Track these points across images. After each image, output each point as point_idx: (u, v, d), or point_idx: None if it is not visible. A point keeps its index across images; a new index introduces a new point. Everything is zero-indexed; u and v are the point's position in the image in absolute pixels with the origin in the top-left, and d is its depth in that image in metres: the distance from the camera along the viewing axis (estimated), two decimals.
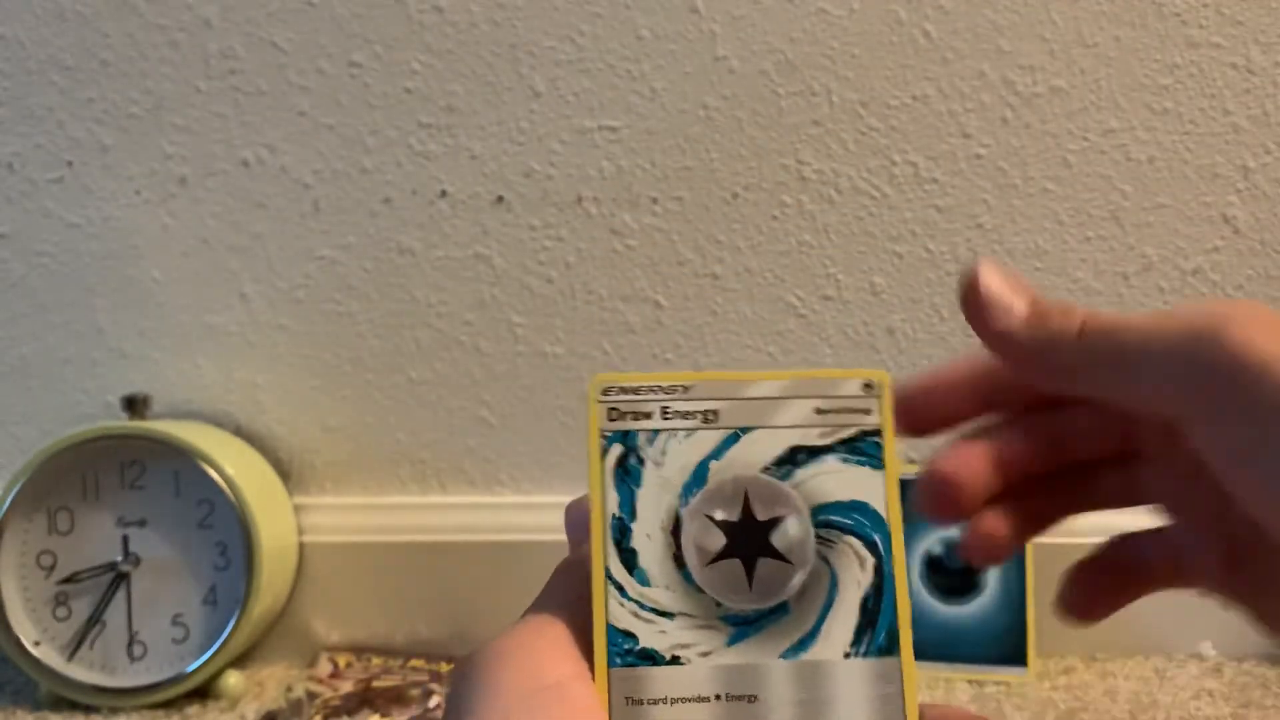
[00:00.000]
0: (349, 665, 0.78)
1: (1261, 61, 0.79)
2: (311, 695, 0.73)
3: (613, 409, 0.27)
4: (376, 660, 0.78)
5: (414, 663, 0.78)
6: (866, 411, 0.27)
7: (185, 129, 0.80)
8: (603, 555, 0.26)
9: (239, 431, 0.82)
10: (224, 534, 0.75)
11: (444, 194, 0.80)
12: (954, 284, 0.81)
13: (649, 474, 0.26)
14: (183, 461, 0.74)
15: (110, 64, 0.79)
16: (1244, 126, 0.79)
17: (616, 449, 0.26)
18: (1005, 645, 0.76)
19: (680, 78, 0.79)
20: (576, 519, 0.28)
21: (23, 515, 0.74)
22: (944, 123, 0.79)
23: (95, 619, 0.75)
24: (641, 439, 0.26)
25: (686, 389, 0.27)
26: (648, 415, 0.27)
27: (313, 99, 0.79)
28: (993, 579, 0.77)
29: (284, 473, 0.82)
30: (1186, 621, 0.79)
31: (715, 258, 0.81)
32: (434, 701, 0.72)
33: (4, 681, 0.77)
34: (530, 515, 0.80)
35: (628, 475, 0.26)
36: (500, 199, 0.80)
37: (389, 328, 0.81)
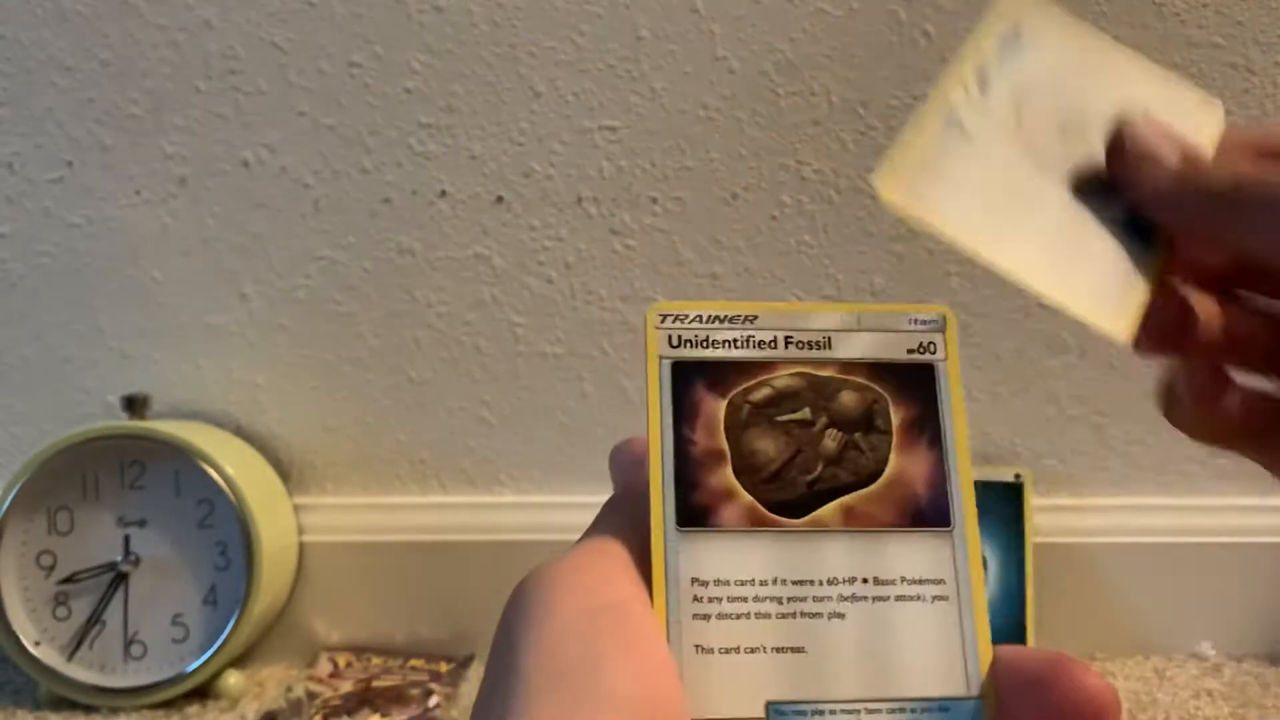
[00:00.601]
0: (349, 665, 0.78)
1: (1261, 61, 0.79)
2: (311, 695, 0.73)
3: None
4: (376, 660, 0.78)
5: (414, 663, 0.78)
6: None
7: (185, 129, 0.80)
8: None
9: (239, 431, 0.82)
10: (224, 534, 0.75)
11: (444, 194, 0.80)
12: (954, 284, 0.81)
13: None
14: (183, 461, 0.74)
15: (110, 64, 0.79)
16: (1244, 126, 0.79)
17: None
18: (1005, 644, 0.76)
19: (680, 78, 0.79)
20: (624, 459, 0.28)
21: (23, 515, 0.74)
22: None
23: (95, 619, 0.75)
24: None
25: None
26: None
27: (313, 99, 0.80)
28: (993, 579, 0.77)
29: (284, 473, 0.82)
30: (1186, 621, 0.79)
31: (715, 258, 0.81)
32: (434, 701, 0.72)
33: (4, 681, 0.77)
34: (530, 515, 0.79)
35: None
36: (500, 199, 0.80)
37: (389, 328, 0.81)
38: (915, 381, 0.26)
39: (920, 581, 0.25)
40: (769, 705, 0.24)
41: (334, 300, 0.81)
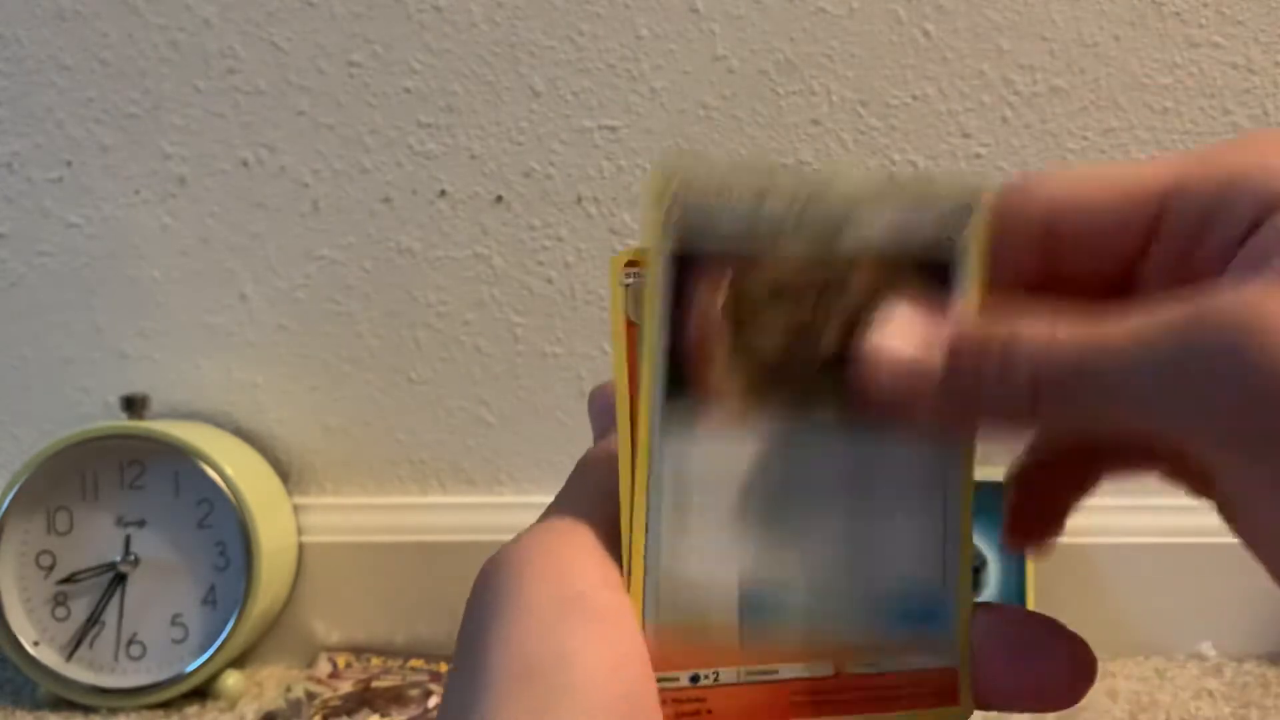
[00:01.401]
0: (348, 665, 0.78)
1: (1262, 61, 0.79)
2: (311, 695, 0.73)
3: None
4: (376, 660, 0.78)
5: (413, 663, 0.78)
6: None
7: (185, 129, 0.80)
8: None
9: (238, 431, 0.82)
10: (223, 534, 0.75)
11: (443, 193, 0.80)
12: None
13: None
14: (182, 461, 0.74)
15: (110, 64, 0.79)
16: (1245, 126, 0.79)
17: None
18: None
19: (680, 77, 0.79)
20: (603, 402, 0.27)
21: (22, 515, 0.74)
22: (943, 122, 0.79)
23: (94, 619, 0.75)
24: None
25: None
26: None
27: (312, 98, 0.79)
28: (993, 578, 0.77)
29: (283, 473, 0.82)
30: (1186, 621, 0.79)
31: None
32: (433, 702, 0.72)
33: (3, 682, 0.77)
34: (530, 515, 0.79)
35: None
36: (500, 198, 0.80)
37: (389, 328, 0.81)
38: (929, 276, 0.24)
39: (909, 493, 0.24)
40: (741, 592, 0.24)
41: (333, 300, 0.81)
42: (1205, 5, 0.78)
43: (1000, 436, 0.24)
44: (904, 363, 0.22)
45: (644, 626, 0.23)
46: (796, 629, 0.24)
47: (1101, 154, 0.79)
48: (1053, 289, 0.23)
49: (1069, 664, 0.23)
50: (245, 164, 0.80)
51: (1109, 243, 0.23)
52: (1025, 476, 0.27)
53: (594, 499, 0.25)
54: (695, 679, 0.23)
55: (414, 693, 0.73)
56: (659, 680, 0.23)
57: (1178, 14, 0.78)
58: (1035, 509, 0.27)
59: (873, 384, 0.23)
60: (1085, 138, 0.79)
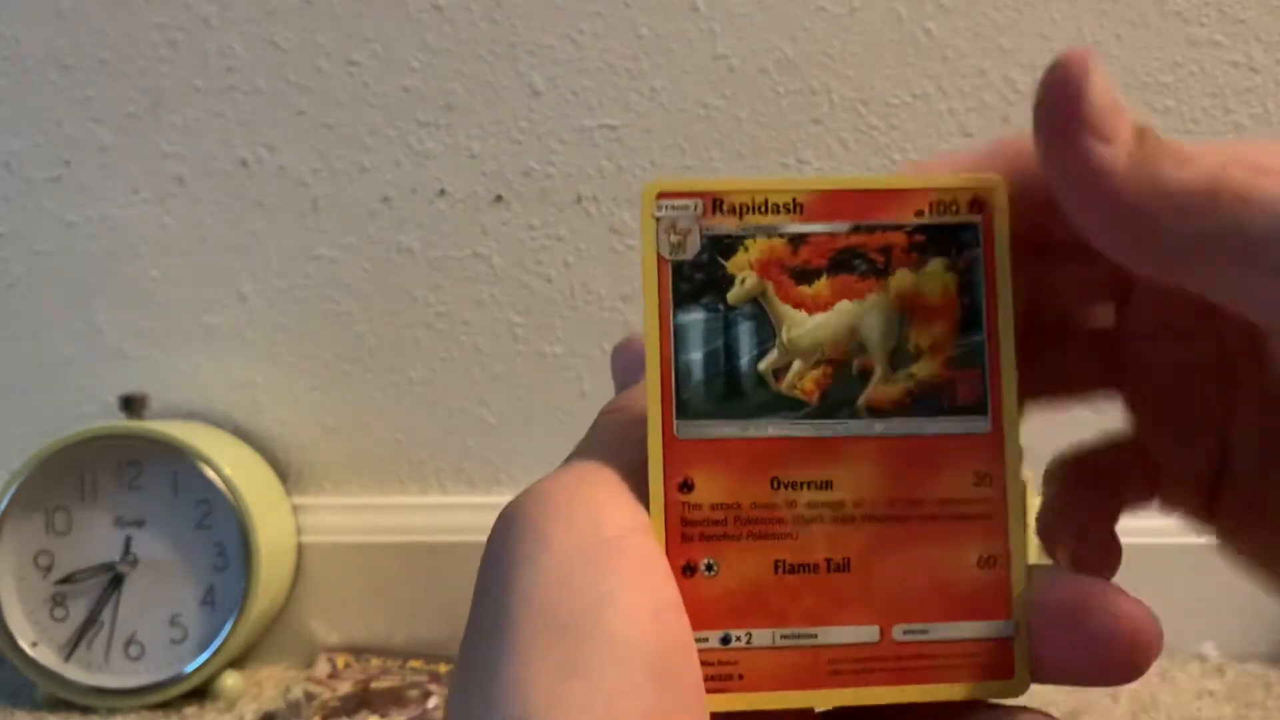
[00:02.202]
0: (347, 666, 0.77)
1: (1263, 60, 0.79)
2: (310, 696, 0.73)
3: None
4: (375, 661, 0.78)
5: (413, 663, 0.77)
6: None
7: (183, 128, 0.80)
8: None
9: (237, 431, 0.81)
10: (222, 534, 0.75)
11: (443, 193, 0.80)
12: None
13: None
14: (181, 461, 0.74)
15: (108, 63, 0.79)
16: (1246, 125, 0.79)
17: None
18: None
19: (680, 76, 0.79)
20: (627, 357, 0.25)
21: (20, 515, 0.74)
22: (944, 121, 0.79)
23: (93, 619, 0.75)
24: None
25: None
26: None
27: (311, 98, 0.79)
28: None
29: (282, 473, 0.82)
30: (1188, 622, 0.79)
31: None
32: (433, 702, 0.72)
33: (1, 682, 0.77)
34: None
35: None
36: (499, 198, 0.80)
37: (388, 327, 0.81)
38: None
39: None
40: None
41: (333, 300, 0.81)
42: (1206, 4, 0.78)
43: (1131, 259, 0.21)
44: (1107, 98, 0.21)
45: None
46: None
47: None
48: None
49: (1132, 633, 0.21)
50: (244, 163, 0.80)
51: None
52: (1065, 473, 0.26)
53: (617, 446, 0.23)
54: (726, 640, 0.22)
55: (413, 693, 0.73)
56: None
57: (1179, 13, 0.78)
58: (1066, 508, 0.26)
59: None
60: None
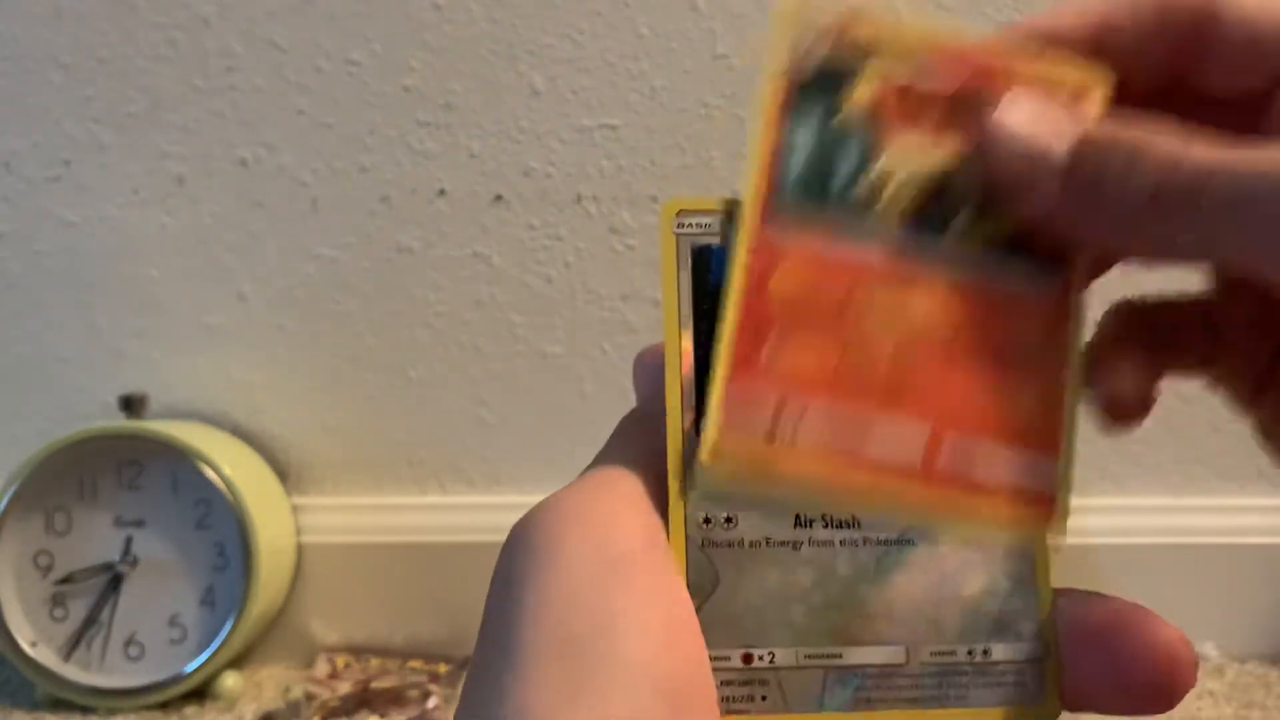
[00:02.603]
0: (347, 666, 0.77)
1: None
2: (309, 696, 0.73)
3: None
4: (375, 661, 0.78)
5: (412, 664, 0.77)
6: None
7: (183, 128, 0.80)
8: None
9: (237, 431, 0.81)
10: (222, 534, 0.75)
11: (443, 192, 0.80)
12: None
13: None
14: (180, 462, 0.74)
15: (108, 62, 0.79)
16: None
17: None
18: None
19: (680, 76, 0.79)
20: (649, 366, 0.24)
21: (20, 515, 0.74)
22: None
23: (92, 619, 0.74)
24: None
25: None
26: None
27: (311, 97, 0.79)
28: None
29: (282, 473, 0.82)
30: (1189, 622, 0.79)
31: None
32: (432, 702, 0.72)
33: (1, 682, 0.77)
34: None
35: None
36: (499, 197, 0.80)
37: (388, 327, 0.81)
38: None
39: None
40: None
41: (332, 299, 0.81)
42: None
43: (1098, 252, 0.22)
44: (1028, 141, 0.21)
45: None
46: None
47: None
48: (1177, 109, 0.22)
49: (1169, 659, 0.21)
50: (244, 163, 0.80)
51: (1258, 62, 0.22)
52: (1128, 314, 0.25)
53: (637, 456, 0.22)
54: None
55: (413, 693, 0.73)
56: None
57: None
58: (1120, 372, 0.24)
59: (993, 156, 0.21)
60: None
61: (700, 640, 0.20)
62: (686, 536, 0.22)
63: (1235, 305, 0.24)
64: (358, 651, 0.80)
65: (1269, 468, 0.81)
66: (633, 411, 0.24)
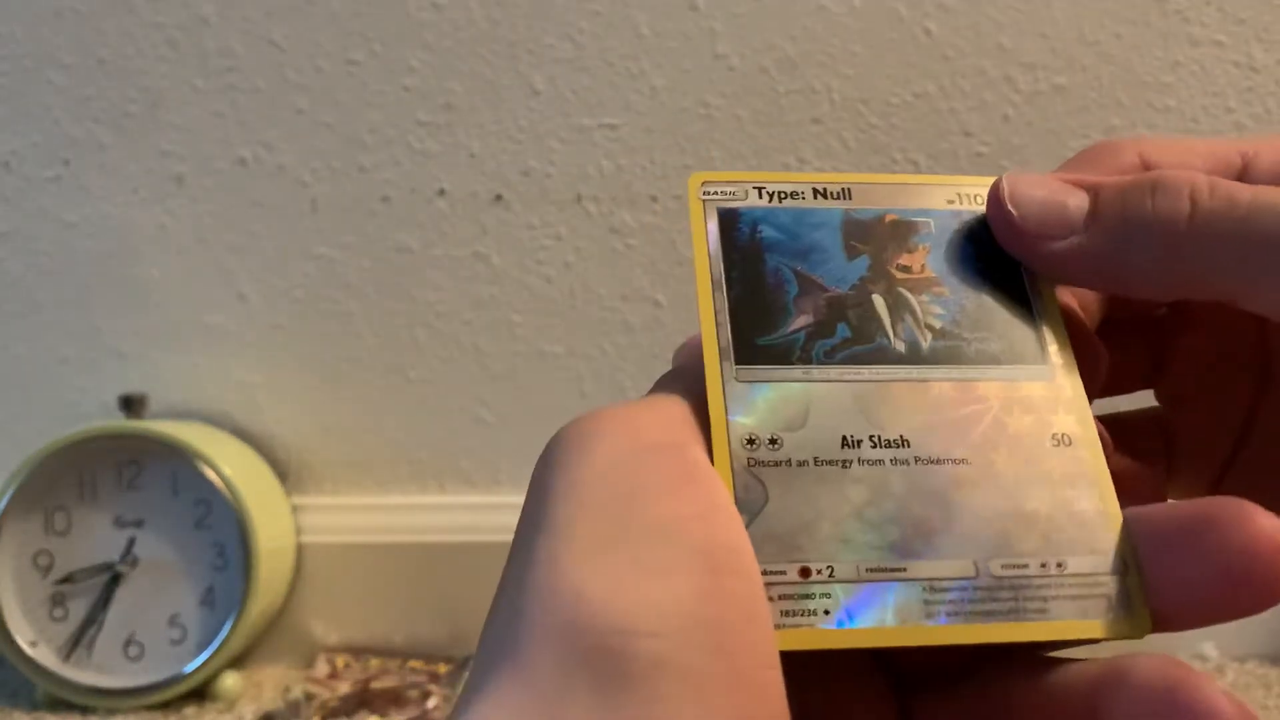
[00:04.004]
0: (347, 666, 0.77)
1: (1264, 59, 0.79)
2: (309, 696, 0.73)
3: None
4: (375, 661, 0.78)
5: (412, 664, 0.77)
6: None
7: (183, 127, 0.80)
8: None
9: (237, 431, 0.81)
10: (222, 534, 0.75)
11: (442, 192, 0.80)
12: None
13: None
14: (180, 461, 0.74)
15: (107, 62, 0.79)
16: (1247, 125, 0.79)
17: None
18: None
19: (680, 75, 0.79)
20: (688, 347, 0.25)
21: (19, 515, 0.74)
22: (945, 120, 0.79)
23: (92, 619, 0.74)
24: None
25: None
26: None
27: (311, 97, 0.79)
28: None
29: (282, 473, 0.82)
30: None
31: None
32: (432, 702, 0.72)
33: (1, 682, 0.77)
34: None
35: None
36: (499, 197, 0.80)
37: (387, 327, 0.81)
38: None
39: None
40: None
41: (332, 299, 0.81)
42: (1207, 3, 0.78)
43: (1126, 281, 0.22)
44: (1045, 194, 0.22)
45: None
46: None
47: None
48: None
49: (1271, 548, 0.18)
50: (243, 163, 0.80)
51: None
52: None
53: (677, 389, 0.22)
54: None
55: (413, 694, 0.73)
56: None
57: (1179, 12, 0.78)
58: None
59: (1009, 213, 0.22)
60: (1087, 136, 0.79)
61: (739, 525, 0.19)
62: (730, 455, 0.21)
63: (1189, 415, 0.25)
64: (358, 651, 0.80)
65: None
66: (671, 370, 0.24)
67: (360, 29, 0.79)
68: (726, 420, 0.21)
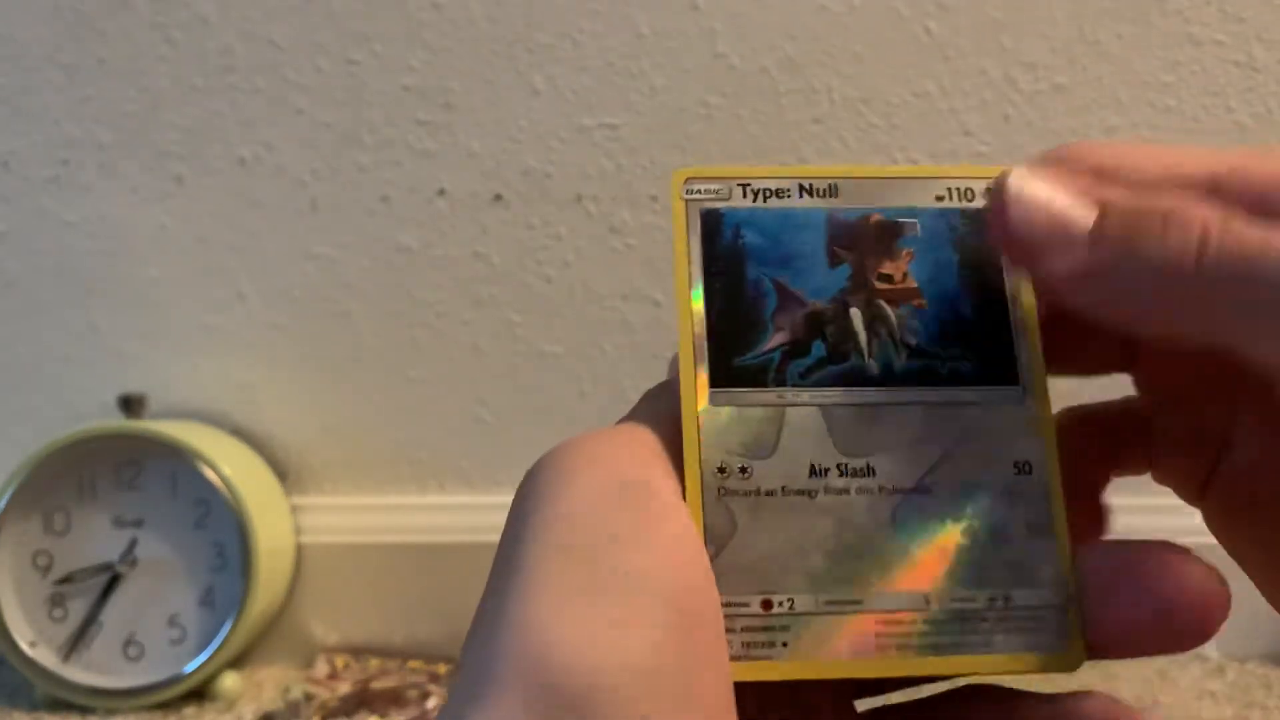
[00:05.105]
0: (346, 666, 0.77)
1: (1264, 59, 0.78)
2: (309, 697, 0.73)
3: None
4: (374, 661, 0.78)
5: (412, 664, 0.77)
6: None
7: (182, 127, 0.80)
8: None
9: (236, 431, 0.81)
10: (221, 534, 0.75)
11: (442, 192, 0.80)
12: None
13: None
14: (180, 462, 0.74)
15: (107, 62, 0.79)
16: (1247, 124, 0.79)
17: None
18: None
19: (680, 75, 0.79)
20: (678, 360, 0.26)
21: (19, 515, 0.74)
22: (945, 120, 0.79)
23: (92, 620, 0.74)
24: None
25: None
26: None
27: (310, 97, 0.79)
28: None
29: (281, 473, 0.82)
30: None
31: None
32: (432, 702, 0.72)
33: (0, 682, 0.77)
34: None
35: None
36: (499, 197, 0.80)
37: (387, 327, 0.81)
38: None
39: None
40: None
41: (332, 299, 0.81)
42: (1207, 3, 0.78)
43: (1125, 312, 0.21)
44: (1049, 203, 0.21)
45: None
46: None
47: None
48: None
49: (1199, 597, 0.20)
50: (243, 162, 0.80)
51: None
52: (1066, 426, 0.25)
53: (658, 413, 0.23)
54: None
55: (412, 694, 0.73)
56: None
57: (1180, 11, 0.78)
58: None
59: (1010, 220, 0.21)
60: (1088, 136, 0.79)
61: (706, 567, 0.20)
62: (702, 484, 0.22)
63: (1175, 414, 0.25)
64: (357, 652, 0.80)
65: None
66: (659, 384, 0.25)
67: (360, 29, 0.79)
68: (699, 449, 0.22)
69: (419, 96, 0.79)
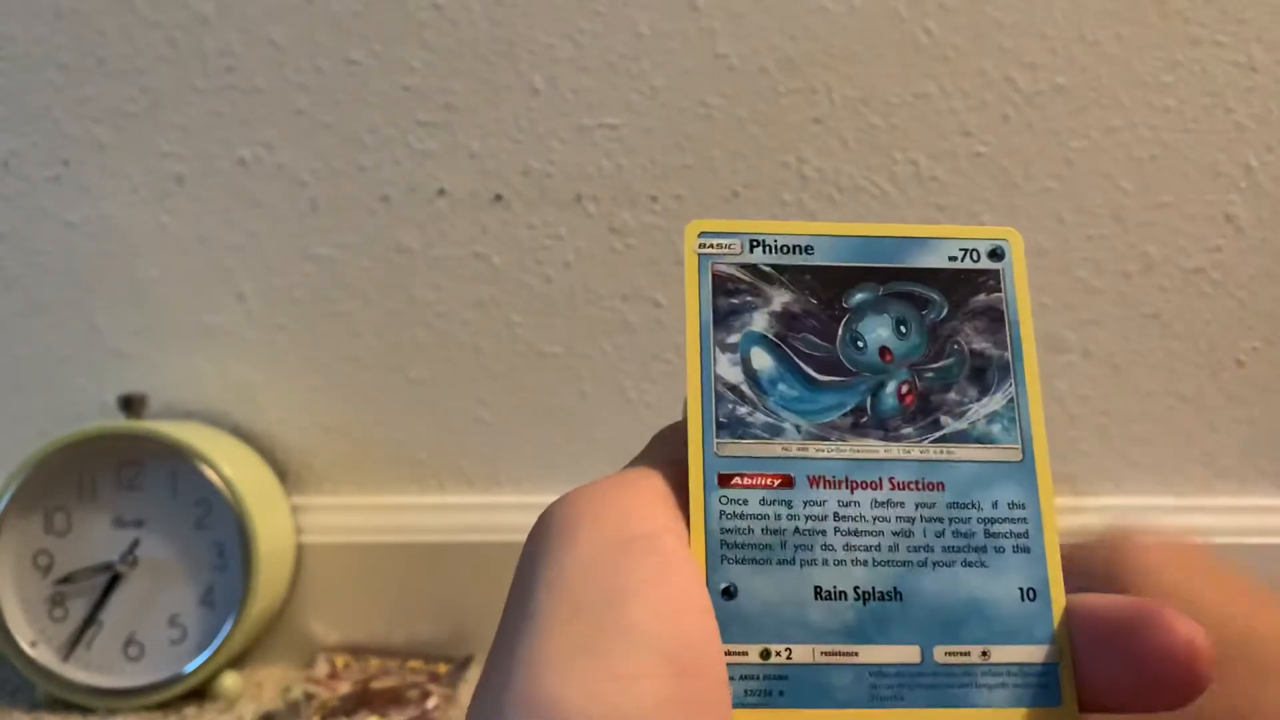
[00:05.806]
0: (347, 666, 0.77)
1: (1264, 59, 0.79)
2: (309, 696, 0.73)
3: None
4: (374, 661, 0.78)
5: (412, 664, 0.77)
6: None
7: (182, 127, 0.80)
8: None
9: (236, 431, 0.81)
10: (221, 534, 0.75)
11: (442, 192, 0.80)
12: None
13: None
14: (180, 462, 0.74)
15: (107, 62, 0.79)
16: (1246, 124, 0.79)
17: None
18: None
19: (680, 75, 0.79)
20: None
21: (19, 515, 0.74)
22: (945, 120, 0.79)
23: (92, 620, 0.74)
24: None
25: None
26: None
27: (310, 97, 0.79)
28: None
29: (282, 473, 0.82)
30: None
31: None
32: (432, 702, 0.72)
33: (1, 682, 0.77)
34: (529, 515, 0.79)
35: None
36: (499, 197, 0.80)
37: (387, 327, 0.81)
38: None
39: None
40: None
41: (332, 299, 0.81)
42: (1208, 3, 0.78)
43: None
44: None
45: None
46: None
47: (1103, 152, 0.79)
48: None
49: (1188, 656, 0.20)
50: (243, 163, 0.80)
51: None
52: None
53: (666, 458, 0.24)
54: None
55: (412, 693, 0.73)
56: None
57: (1179, 12, 0.78)
58: None
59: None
60: (1087, 136, 0.79)
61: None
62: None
63: None
64: (357, 651, 0.80)
65: (1269, 468, 0.81)
66: (665, 428, 0.26)
67: (360, 29, 0.79)
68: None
69: (419, 96, 0.79)
